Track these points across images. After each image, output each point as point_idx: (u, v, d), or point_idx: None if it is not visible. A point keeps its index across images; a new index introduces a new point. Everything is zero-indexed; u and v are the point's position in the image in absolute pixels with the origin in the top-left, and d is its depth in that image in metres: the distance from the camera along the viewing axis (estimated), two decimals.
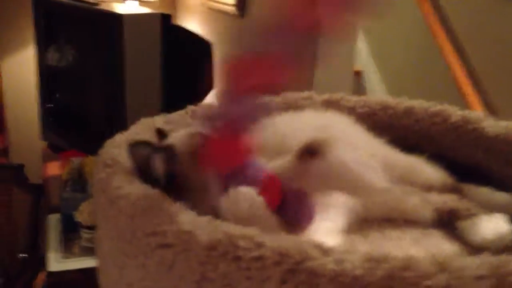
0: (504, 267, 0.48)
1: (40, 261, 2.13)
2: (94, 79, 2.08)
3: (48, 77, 2.23)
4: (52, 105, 2.23)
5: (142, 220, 0.57)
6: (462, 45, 2.33)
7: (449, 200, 0.83)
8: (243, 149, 0.64)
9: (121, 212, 0.60)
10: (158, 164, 0.66)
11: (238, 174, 0.64)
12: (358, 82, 2.72)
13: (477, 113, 0.98)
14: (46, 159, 2.28)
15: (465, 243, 0.77)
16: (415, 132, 0.99)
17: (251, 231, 0.52)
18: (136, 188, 0.62)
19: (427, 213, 0.83)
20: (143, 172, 0.68)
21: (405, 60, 2.58)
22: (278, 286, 0.49)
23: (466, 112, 0.97)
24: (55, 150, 2.20)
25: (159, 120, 0.89)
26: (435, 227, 0.82)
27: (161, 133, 0.78)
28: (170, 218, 0.56)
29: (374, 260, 0.48)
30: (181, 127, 0.90)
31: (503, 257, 0.50)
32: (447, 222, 0.81)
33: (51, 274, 1.64)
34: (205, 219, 0.56)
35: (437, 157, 0.92)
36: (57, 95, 2.23)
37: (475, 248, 0.75)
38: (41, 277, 2.17)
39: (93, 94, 2.12)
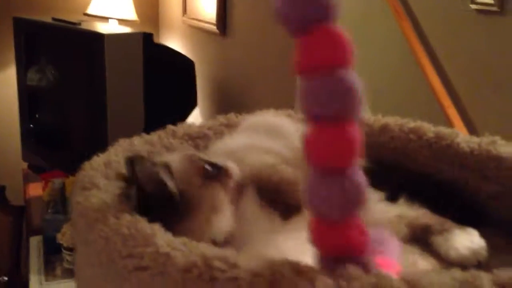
0: (472, 283, 0.49)
1: (22, 284, 2.10)
2: (76, 99, 2.08)
3: (29, 97, 2.22)
4: (33, 125, 2.22)
5: (118, 242, 0.58)
6: (439, 59, 2.38)
7: (422, 215, 0.84)
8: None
9: (99, 236, 0.60)
10: (168, 179, 0.65)
11: None
12: None
13: (451, 129, 1.00)
14: (27, 180, 2.25)
15: (440, 258, 0.78)
16: (391, 150, 1.00)
17: (225, 252, 0.53)
18: (114, 211, 0.63)
19: (401, 228, 0.84)
20: (149, 189, 0.65)
21: (384, 74, 2.62)
22: None
23: (440, 129, 0.99)
24: (36, 170, 2.18)
25: (138, 141, 0.90)
26: (410, 242, 0.83)
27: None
28: (147, 240, 0.57)
29: (345, 279, 0.49)
30: (161, 148, 0.91)
31: (471, 273, 0.51)
32: (421, 238, 0.82)
33: None
34: (181, 241, 0.56)
35: (415, 174, 0.94)
36: (38, 115, 2.22)
37: (450, 264, 0.77)
38: None
39: (74, 114, 2.12)
